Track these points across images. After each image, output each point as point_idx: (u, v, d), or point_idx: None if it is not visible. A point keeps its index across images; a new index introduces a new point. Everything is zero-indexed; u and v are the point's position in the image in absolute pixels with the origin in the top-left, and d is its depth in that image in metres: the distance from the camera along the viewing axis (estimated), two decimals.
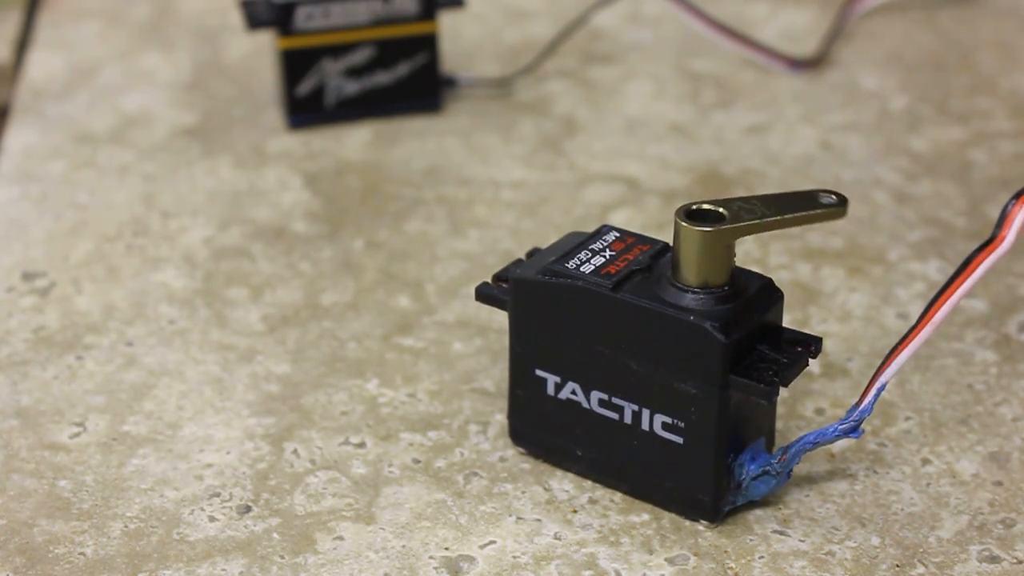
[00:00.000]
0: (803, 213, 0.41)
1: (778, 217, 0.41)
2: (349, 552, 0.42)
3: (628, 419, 0.43)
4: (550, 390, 0.44)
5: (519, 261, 0.45)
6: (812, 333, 0.43)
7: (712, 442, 0.42)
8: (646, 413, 0.42)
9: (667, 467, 0.43)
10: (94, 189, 0.62)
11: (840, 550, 0.42)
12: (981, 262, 0.41)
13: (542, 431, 0.45)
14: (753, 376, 0.41)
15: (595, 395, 0.43)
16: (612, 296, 0.42)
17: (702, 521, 0.43)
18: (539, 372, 0.44)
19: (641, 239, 0.44)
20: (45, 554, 0.42)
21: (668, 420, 0.42)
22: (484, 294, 0.45)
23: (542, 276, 0.43)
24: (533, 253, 0.46)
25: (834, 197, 0.42)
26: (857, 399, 0.42)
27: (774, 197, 0.42)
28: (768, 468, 0.42)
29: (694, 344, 0.41)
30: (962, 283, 0.41)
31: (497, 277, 0.45)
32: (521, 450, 0.46)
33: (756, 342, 0.42)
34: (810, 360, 0.42)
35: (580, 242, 0.44)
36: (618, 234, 0.44)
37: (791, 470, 0.43)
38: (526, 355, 0.44)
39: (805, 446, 0.42)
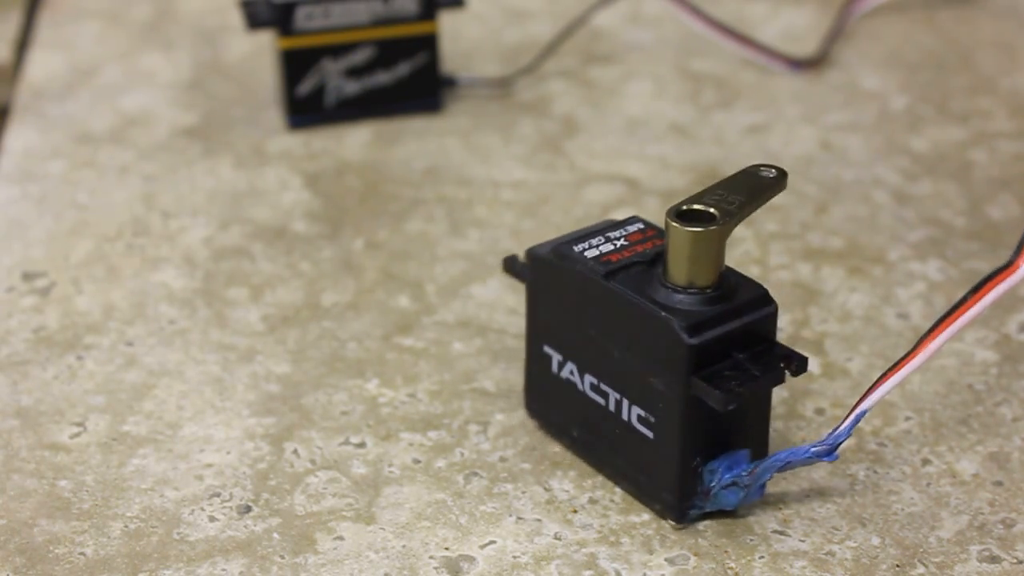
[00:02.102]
0: (763, 193, 0.42)
1: (749, 204, 0.42)
2: (349, 552, 0.42)
3: (612, 407, 0.43)
4: (554, 368, 0.45)
5: (554, 240, 0.45)
6: (800, 352, 0.42)
7: (676, 441, 0.41)
8: (625, 403, 0.43)
9: (640, 460, 0.43)
10: (94, 189, 0.62)
11: (840, 550, 0.42)
12: (993, 287, 0.40)
13: (549, 406, 0.46)
14: (714, 382, 0.40)
15: (588, 378, 0.44)
16: (601, 283, 0.42)
17: (669, 520, 0.43)
18: (546, 349, 0.45)
19: (661, 234, 0.44)
20: (45, 554, 0.42)
21: (642, 413, 0.42)
22: (508, 267, 0.46)
23: (549, 255, 0.44)
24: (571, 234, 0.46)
25: (773, 171, 0.42)
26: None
27: (729, 182, 0.42)
28: (738, 480, 0.42)
29: (662, 341, 0.41)
30: (970, 308, 0.40)
31: (528, 252, 0.46)
32: (535, 422, 0.47)
33: (735, 349, 0.41)
34: (787, 377, 0.42)
35: (603, 228, 0.45)
36: (642, 226, 0.45)
37: (763, 485, 0.42)
38: (537, 331, 0.45)
39: (776, 463, 0.42)
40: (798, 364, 0.42)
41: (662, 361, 0.41)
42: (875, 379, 0.41)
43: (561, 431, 0.46)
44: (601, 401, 0.44)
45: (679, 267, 0.41)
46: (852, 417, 0.41)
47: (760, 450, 0.44)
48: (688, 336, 0.40)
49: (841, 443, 0.41)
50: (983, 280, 0.40)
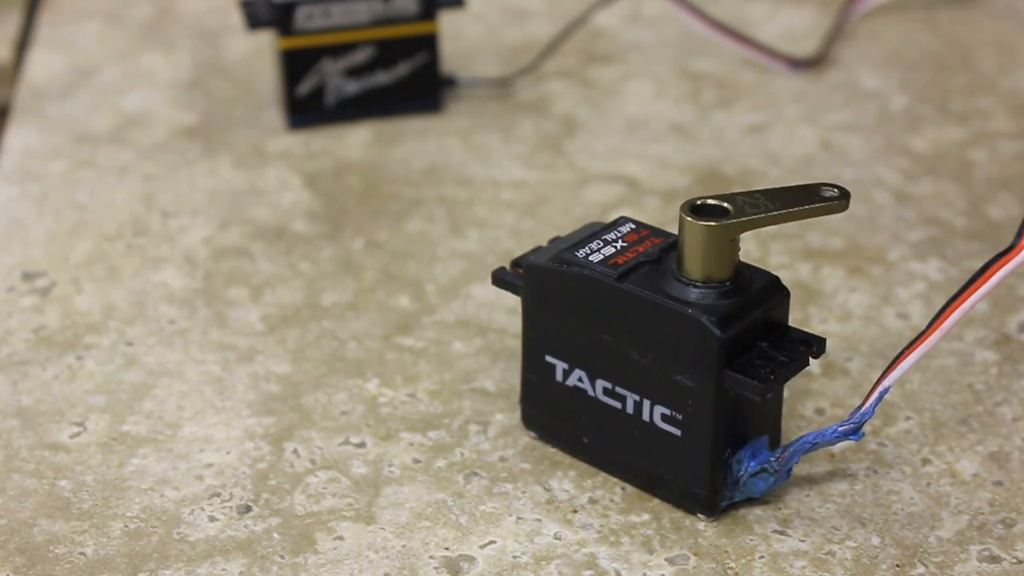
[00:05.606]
0: (806, 207, 0.41)
1: (782, 211, 0.41)
2: (349, 552, 0.42)
3: (630, 409, 0.43)
4: (559, 376, 0.45)
5: (538, 248, 0.45)
6: (815, 333, 0.43)
7: (708, 436, 0.42)
8: (647, 404, 0.43)
9: (666, 458, 0.43)
10: (94, 189, 0.62)
11: (840, 550, 0.42)
12: (997, 270, 0.40)
13: (551, 417, 0.45)
14: (748, 373, 0.41)
15: (600, 383, 0.44)
16: (616, 286, 0.42)
17: (699, 515, 0.43)
18: (548, 358, 0.45)
19: (655, 232, 0.44)
20: (45, 554, 0.42)
21: (667, 412, 0.42)
22: (499, 279, 0.46)
23: (552, 263, 0.43)
24: (555, 240, 0.46)
25: (836, 190, 0.42)
26: (860, 400, 0.42)
27: (777, 191, 0.42)
28: (767, 466, 0.42)
29: (692, 337, 0.41)
30: (976, 290, 0.40)
31: (515, 263, 0.45)
32: (532, 434, 0.46)
33: (757, 339, 0.42)
34: (810, 360, 0.42)
35: (595, 232, 0.45)
36: (633, 226, 0.45)
37: (790, 469, 0.43)
38: (536, 341, 0.45)
39: (804, 446, 0.42)
40: (818, 346, 0.42)
41: (691, 358, 0.41)
42: (894, 357, 0.42)
43: (569, 439, 0.45)
44: (617, 405, 0.43)
45: (696, 262, 0.41)
46: (876, 394, 0.41)
47: (775, 435, 0.44)
48: (720, 331, 0.40)
49: (866, 421, 0.42)
50: (992, 259, 0.41)
